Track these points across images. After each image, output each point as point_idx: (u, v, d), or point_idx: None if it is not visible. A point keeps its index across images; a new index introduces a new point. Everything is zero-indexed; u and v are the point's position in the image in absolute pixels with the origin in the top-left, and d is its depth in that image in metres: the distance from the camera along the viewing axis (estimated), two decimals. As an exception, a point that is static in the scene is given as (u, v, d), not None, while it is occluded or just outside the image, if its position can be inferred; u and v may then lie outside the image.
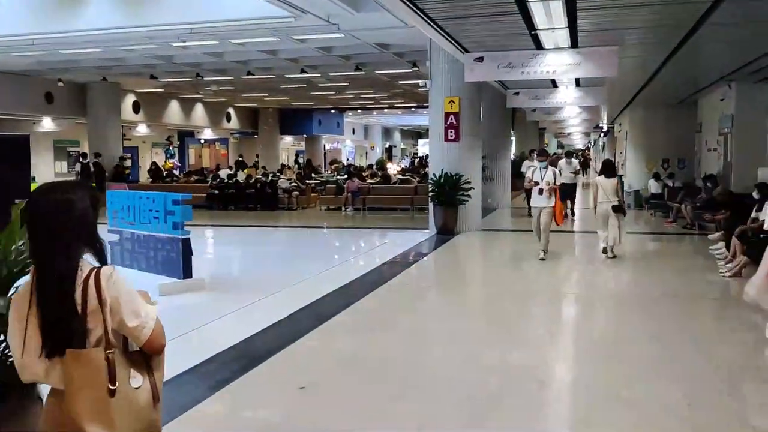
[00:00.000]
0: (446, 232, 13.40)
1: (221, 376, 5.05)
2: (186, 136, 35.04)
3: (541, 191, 10.02)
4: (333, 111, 34.64)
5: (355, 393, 4.80)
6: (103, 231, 3.33)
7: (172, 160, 27.12)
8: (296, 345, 5.90)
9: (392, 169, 33.36)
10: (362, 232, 15.50)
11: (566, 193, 14.87)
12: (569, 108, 20.75)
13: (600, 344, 6.25)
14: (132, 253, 8.76)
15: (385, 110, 34.94)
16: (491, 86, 16.05)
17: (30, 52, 15.77)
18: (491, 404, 4.56)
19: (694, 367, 5.30)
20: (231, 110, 31.93)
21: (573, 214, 16.28)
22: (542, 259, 10.06)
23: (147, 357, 2.11)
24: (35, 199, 2.06)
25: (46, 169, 25.71)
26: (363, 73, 19.42)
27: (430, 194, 13.65)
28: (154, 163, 26.43)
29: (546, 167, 10.16)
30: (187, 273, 8.00)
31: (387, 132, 50.60)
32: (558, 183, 10.11)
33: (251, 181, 20.10)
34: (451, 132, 13.61)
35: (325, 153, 42.14)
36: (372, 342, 6.16)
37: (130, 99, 24.96)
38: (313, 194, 21.27)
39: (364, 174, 21.76)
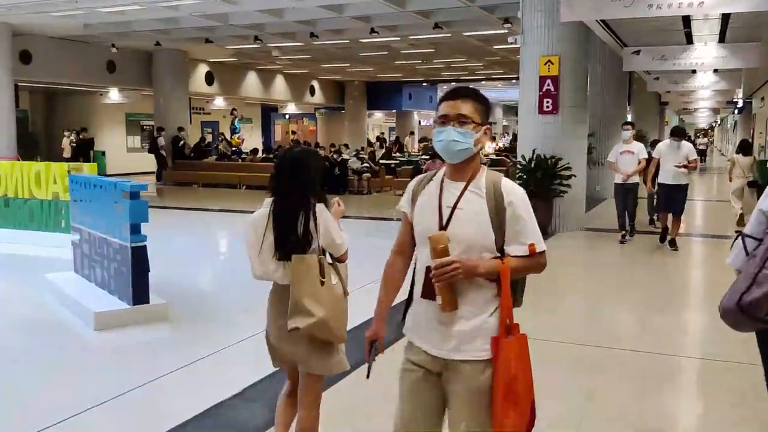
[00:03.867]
0: (537, 231, 10.38)
1: None
2: (271, 111, 33.27)
3: None
4: (424, 84, 31.71)
5: None
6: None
7: (239, 136, 25.03)
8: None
9: (489, 147, 30.22)
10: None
11: (668, 199, 9.17)
12: (702, 77, 16.89)
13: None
14: (90, 260, 6.46)
15: (483, 83, 31.57)
16: (602, 42, 12.67)
17: (64, 11, 14.00)
18: None
19: None
20: (315, 83, 29.72)
21: (673, 245, 9.16)
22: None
23: (336, 266, 2.93)
24: (285, 153, 3.08)
25: (117, 143, 24.57)
26: (448, 35, 16.54)
27: (518, 183, 10.65)
28: (221, 135, 24.62)
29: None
30: (139, 297, 5.57)
31: (487, 108, 46.98)
32: None
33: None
34: (547, 102, 10.54)
35: (420, 129, 39.27)
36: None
37: (202, 69, 23.20)
38: (389, 176, 18.58)
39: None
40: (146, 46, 19.14)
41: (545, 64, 10.51)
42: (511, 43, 11.14)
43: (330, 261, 2.92)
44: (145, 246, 5.57)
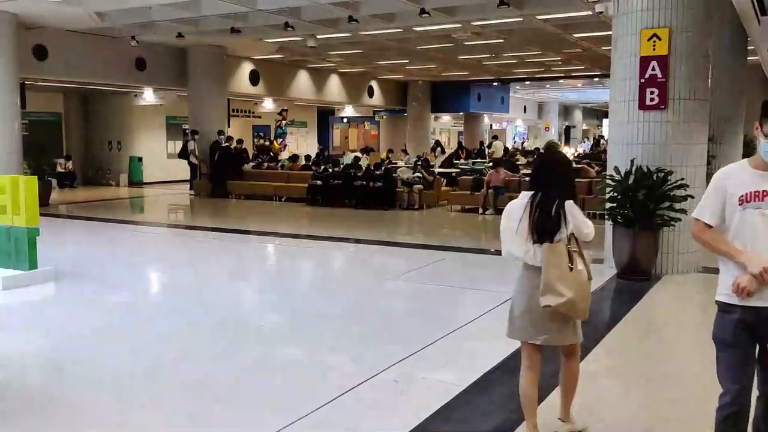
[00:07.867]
0: (635, 273, 7.38)
1: None
2: (329, 114, 31.00)
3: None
4: (495, 83, 28.59)
5: None
6: None
7: (280, 140, 22.65)
8: None
9: (567, 154, 26.92)
10: (479, 260, 9.05)
11: None
12: None
13: None
14: None
15: (561, 81, 28.20)
16: (731, 10, 9.49)
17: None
18: None
19: None
20: (374, 83, 27.17)
21: None
22: None
23: (581, 254, 3.33)
24: (546, 155, 5.72)
25: (157, 148, 22.73)
26: (518, 19, 13.62)
27: (608, 206, 7.67)
28: (260, 138, 22.36)
29: None
30: None
31: (566, 110, 43.32)
32: None
33: (354, 171, 15.07)
34: (651, 93, 7.55)
35: (490, 133, 36.02)
36: None
37: (246, 68, 21.01)
38: (448, 188, 15.77)
39: (518, 162, 15.84)
40: (179, 42, 17.04)
41: (649, 40, 7.54)
42: (599, 14, 8.19)
43: (576, 249, 3.30)
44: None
